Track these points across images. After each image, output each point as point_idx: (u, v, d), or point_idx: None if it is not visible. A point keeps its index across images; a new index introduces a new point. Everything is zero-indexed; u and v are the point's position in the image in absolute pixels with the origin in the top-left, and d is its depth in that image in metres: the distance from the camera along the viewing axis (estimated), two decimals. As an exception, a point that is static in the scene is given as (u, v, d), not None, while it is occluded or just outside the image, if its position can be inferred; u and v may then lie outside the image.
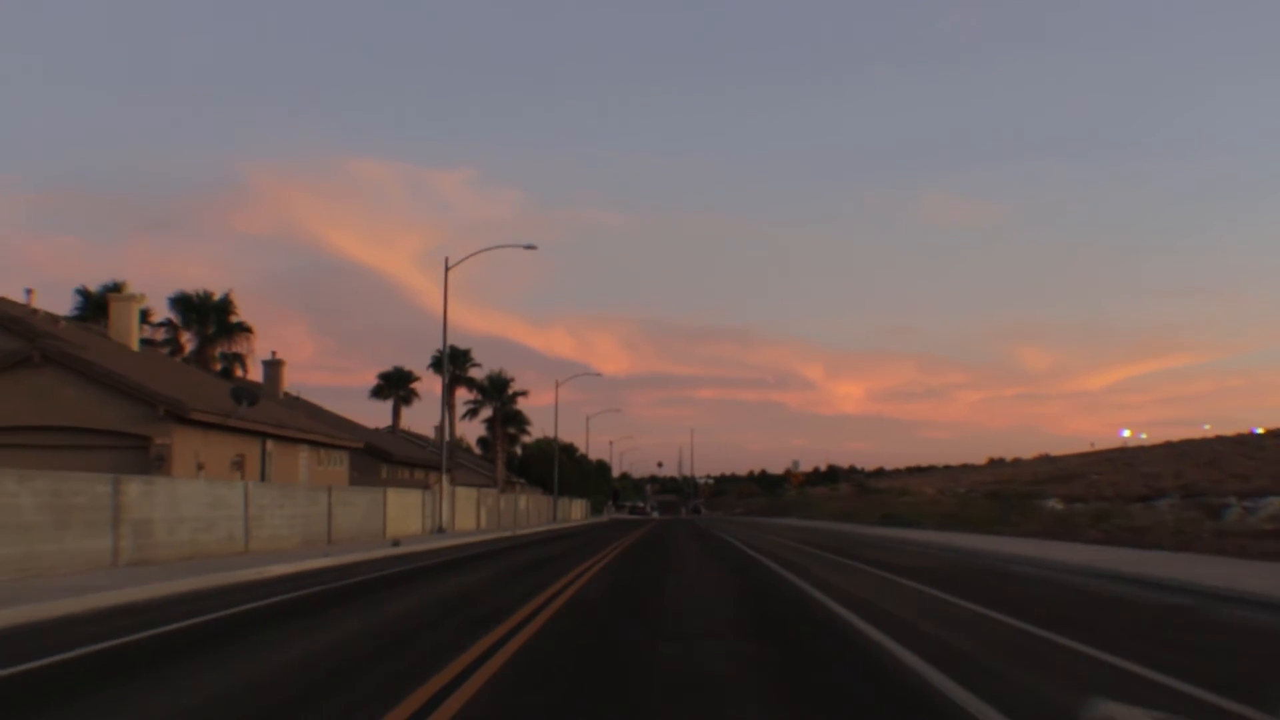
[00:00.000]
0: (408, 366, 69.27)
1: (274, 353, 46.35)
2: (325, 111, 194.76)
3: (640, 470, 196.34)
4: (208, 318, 42.85)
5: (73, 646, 9.10)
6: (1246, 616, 11.60)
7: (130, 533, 18.03)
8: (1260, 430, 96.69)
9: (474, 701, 6.51)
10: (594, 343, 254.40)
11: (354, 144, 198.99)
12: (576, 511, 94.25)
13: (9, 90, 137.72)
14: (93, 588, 13.61)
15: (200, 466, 26.00)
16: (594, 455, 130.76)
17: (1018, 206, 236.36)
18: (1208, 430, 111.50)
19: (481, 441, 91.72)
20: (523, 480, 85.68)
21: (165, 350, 42.83)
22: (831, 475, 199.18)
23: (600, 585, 15.99)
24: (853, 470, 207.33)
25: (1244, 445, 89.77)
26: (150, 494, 18.89)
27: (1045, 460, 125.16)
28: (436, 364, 60.83)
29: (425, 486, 41.26)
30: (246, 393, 26.91)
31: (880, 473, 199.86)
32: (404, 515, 35.73)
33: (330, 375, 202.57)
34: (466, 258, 40.97)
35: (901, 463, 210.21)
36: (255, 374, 46.51)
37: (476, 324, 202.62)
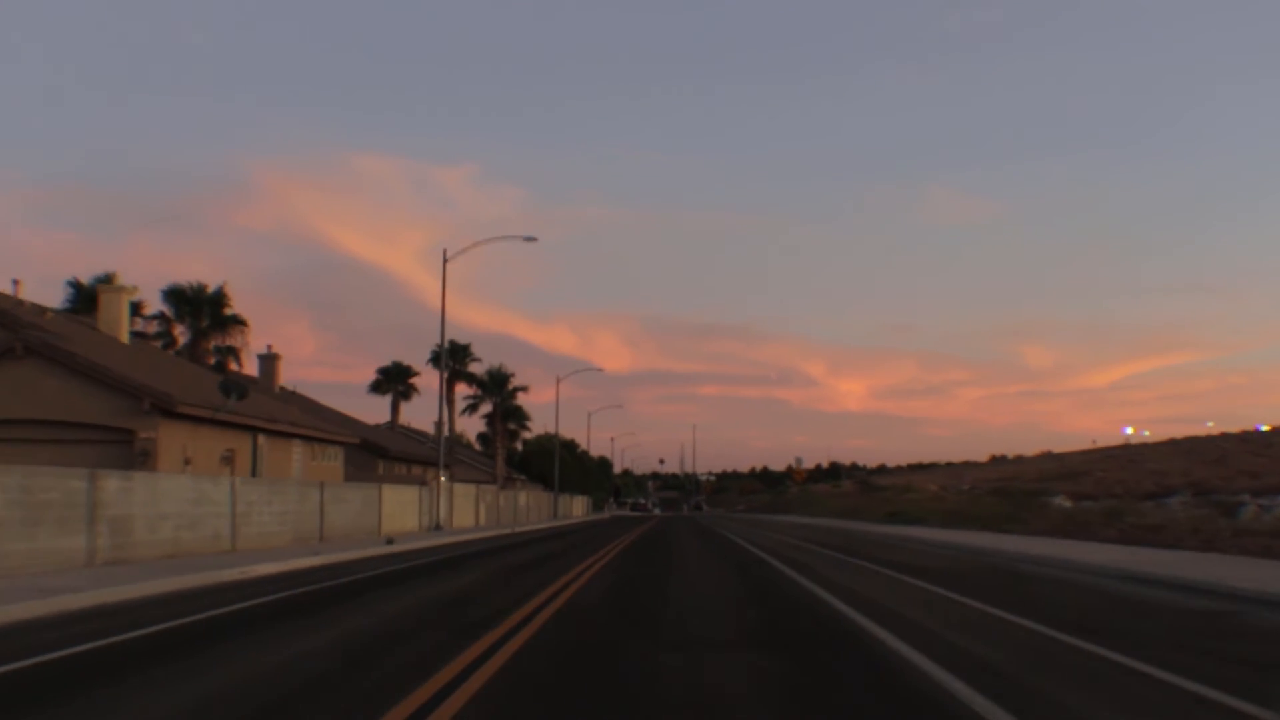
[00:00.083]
0: (407, 361, 68.49)
1: (270, 347, 45.57)
2: (328, 107, 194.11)
3: (642, 467, 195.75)
4: (201, 310, 42.02)
5: (21, 656, 8.32)
6: (1292, 623, 10.80)
7: (107, 530, 17.24)
8: (1266, 427, 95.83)
9: (450, 727, 5.73)
10: (596, 339, 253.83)
11: (356, 140, 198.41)
12: (578, 508, 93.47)
13: (10, 85, 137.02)
14: (62, 589, 12.84)
15: (188, 461, 25.22)
16: (595, 452, 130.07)
17: (1019, 204, 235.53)
18: (1212, 427, 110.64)
19: (482, 437, 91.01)
20: (523, 476, 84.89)
21: (158, 344, 42.05)
22: (834, 472, 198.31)
23: (599, 587, 15.20)
24: (855, 467, 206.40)
25: (1250, 442, 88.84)
26: (129, 490, 18.10)
27: (1049, 457, 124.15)
28: (436, 359, 59.91)
29: (423, 483, 40.47)
30: (236, 386, 26.11)
31: (882, 469, 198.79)
32: (400, 512, 34.94)
33: (332, 372, 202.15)
34: (465, 250, 40.21)
35: (903, 459, 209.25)
36: (251, 368, 45.78)
37: (479, 321, 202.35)
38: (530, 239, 40.87)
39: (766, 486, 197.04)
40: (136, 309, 42.04)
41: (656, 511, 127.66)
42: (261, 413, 30.18)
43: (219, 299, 42.51)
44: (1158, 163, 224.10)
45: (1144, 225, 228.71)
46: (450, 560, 22.46)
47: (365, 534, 30.43)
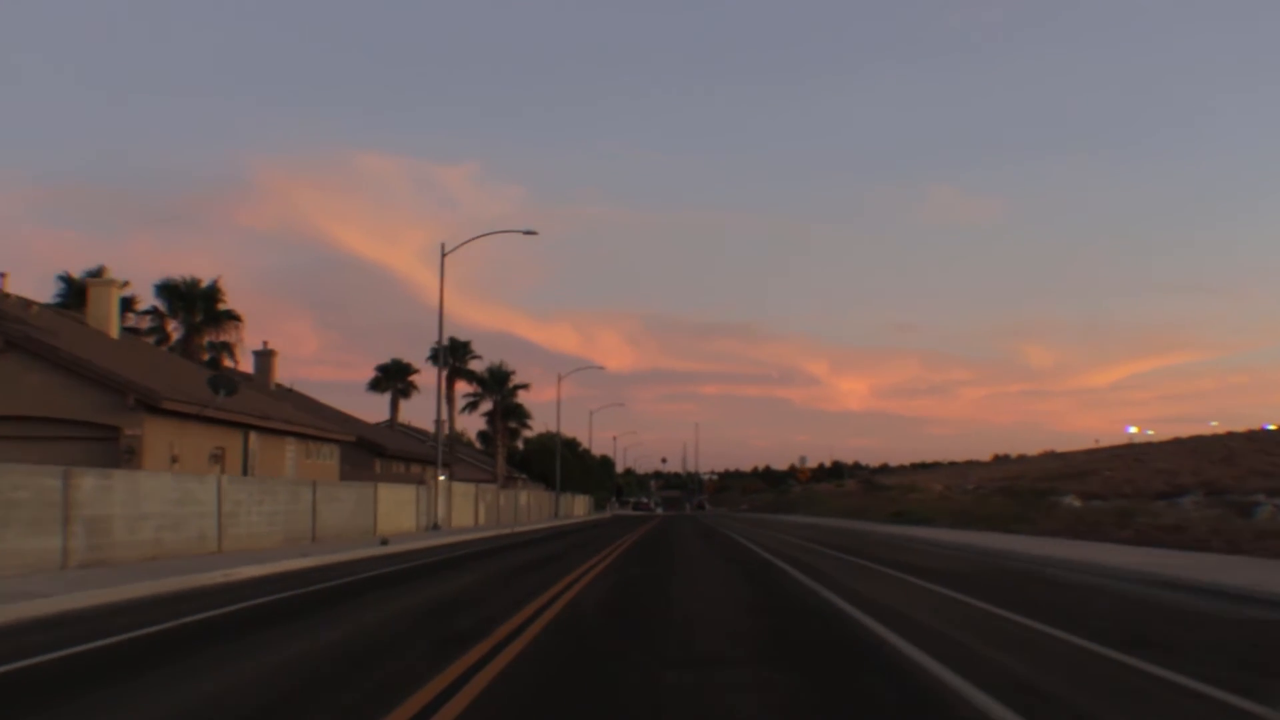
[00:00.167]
0: (407, 359, 67.62)
1: (265, 343, 44.85)
2: (329, 106, 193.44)
3: (644, 466, 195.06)
4: (195, 305, 41.16)
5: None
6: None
7: (83, 531, 16.40)
8: (1272, 426, 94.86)
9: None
10: (598, 338, 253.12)
11: (358, 139, 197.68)
12: (579, 507, 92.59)
13: (11, 85, 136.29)
14: (28, 594, 12.03)
15: (174, 459, 24.38)
16: (597, 451, 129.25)
17: (1021, 203, 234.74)
18: (1216, 426, 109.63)
19: (482, 436, 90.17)
20: (524, 475, 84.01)
21: (151, 339, 41.22)
22: (836, 471, 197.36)
23: (598, 592, 14.34)
24: (857, 466, 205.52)
25: (1257, 441, 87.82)
26: (107, 488, 17.26)
27: (1052, 456, 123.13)
28: (436, 356, 59.16)
29: (421, 482, 39.60)
30: (224, 382, 25.27)
31: (885, 469, 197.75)
32: (396, 512, 34.09)
33: (334, 370, 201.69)
34: (464, 243, 39.44)
35: (906, 459, 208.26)
36: (246, 365, 44.95)
37: (481, 319, 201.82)
38: (530, 232, 40.12)
39: (769, 486, 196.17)
40: (129, 304, 41.27)
41: (659, 511, 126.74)
42: (253, 409, 29.36)
43: (213, 294, 41.68)
44: (1158, 162, 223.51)
45: (1145, 224, 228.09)
46: (445, 562, 21.61)
47: (360, 534, 29.59)
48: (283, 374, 48.15)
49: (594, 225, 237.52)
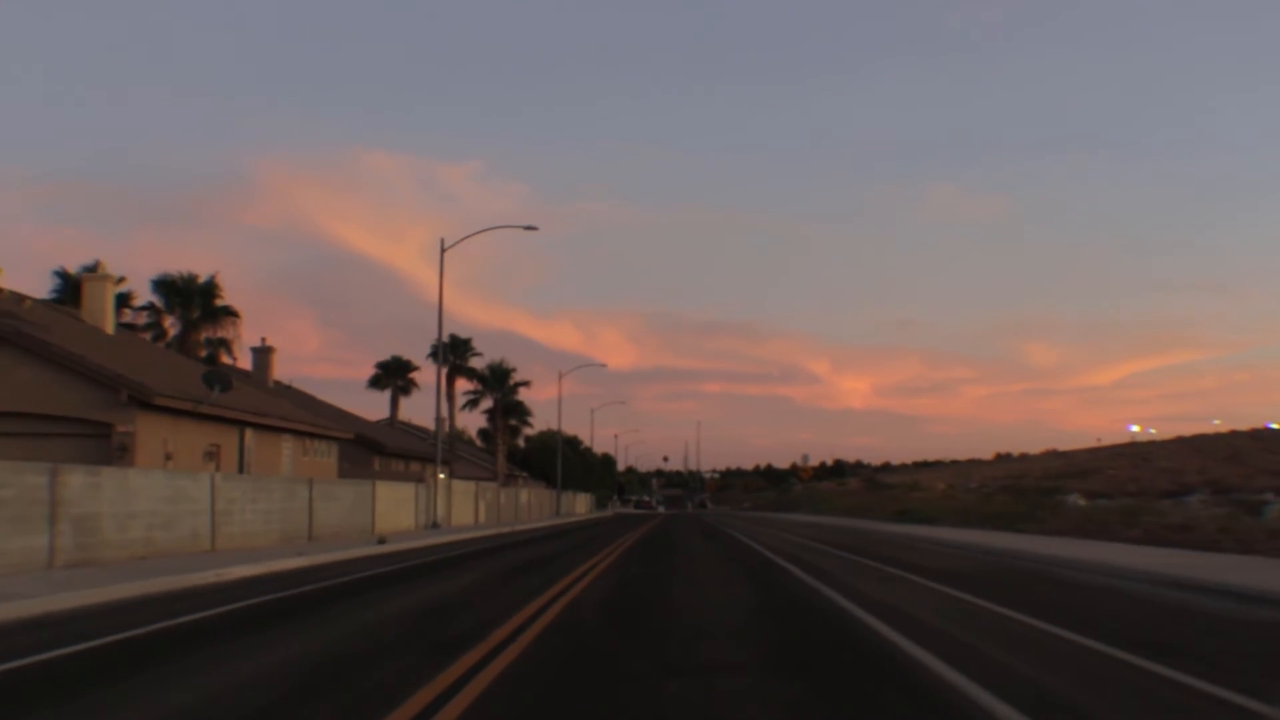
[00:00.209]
0: (408, 356, 67.22)
1: (264, 339, 44.49)
2: (332, 105, 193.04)
3: (646, 464, 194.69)
4: (192, 301, 40.76)
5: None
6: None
7: (70, 530, 16.00)
8: (1276, 425, 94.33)
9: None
10: (599, 336, 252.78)
11: (361, 137, 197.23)
12: (580, 506, 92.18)
13: (12, 84, 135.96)
14: (10, 595, 11.65)
15: (168, 456, 23.99)
16: (599, 449, 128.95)
17: (1022, 202, 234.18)
18: (1219, 425, 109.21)
19: (483, 434, 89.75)
20: (525, 474, 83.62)
21: (148, 335, 40.83)
22: (838, 470, 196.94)
23: (598, 594, 13.93)
24: (859, 465, 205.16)
25: (1261, 440, 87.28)
26: (96, 486, 16.85)
27: (1054, 455, 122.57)
28: (436, 353, 58.81)
29: (421, 480, 39.19)
30: (219, 378, 24.86)
31: (887, 467, 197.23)
32: (395, 510, 33.69)
33: (337, 368, 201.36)
34: (464, 238, 39.06)
35: (908, 457, 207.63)
36: (245, 361, 44.56)
37: (482, 318, 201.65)
38: (530, 228, 39.70)
39: (770, 484, 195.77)
40: (126, 300, 40.88)
41: (660, 509, 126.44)
42: (249, 406, 28.97)
43: (210, 289, 41.28)
44: (1159, 160, 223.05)
45: (1146, 223, 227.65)
46: (443, 561, 21.21)
47: (357, 533, 29.19)
48: (285, 372, 47.84)
49: (596, 223, 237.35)
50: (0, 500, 14.44)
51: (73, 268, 39.70)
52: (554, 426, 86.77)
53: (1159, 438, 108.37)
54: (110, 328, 30.89)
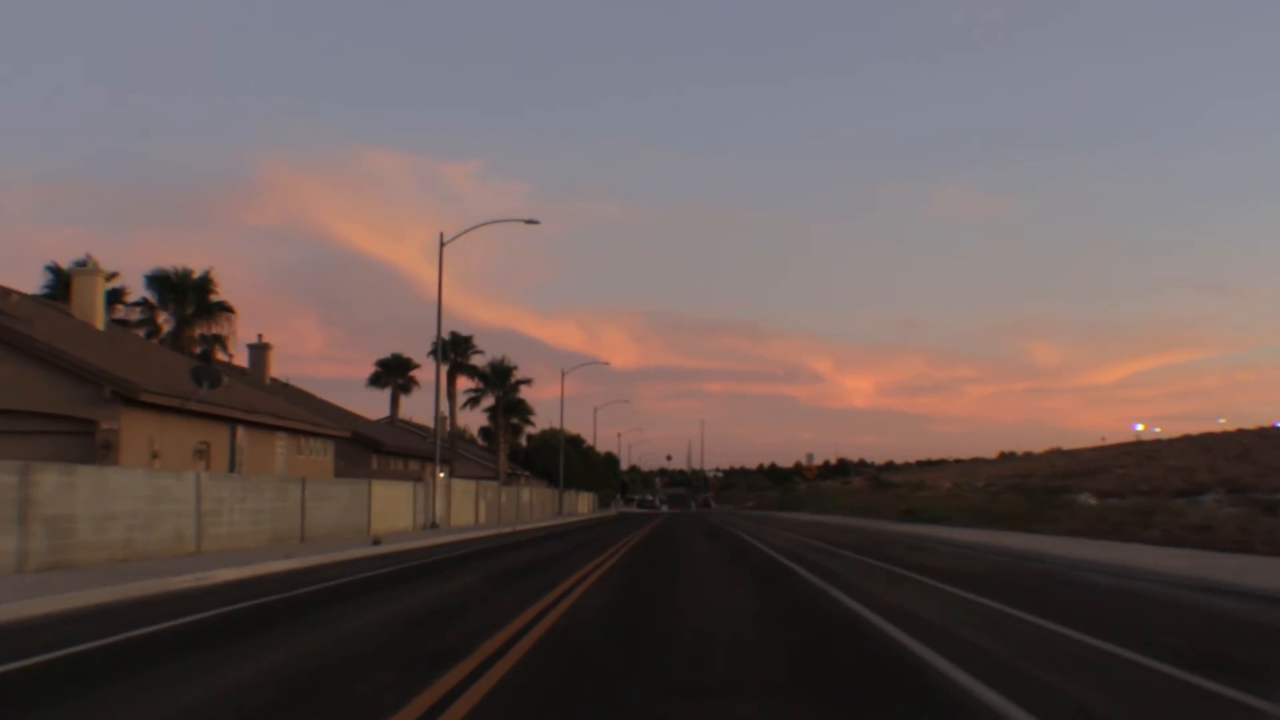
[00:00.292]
0: (408, 355, 66.49)
1: (260, 336, 43.68)
2: (333, 104, 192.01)
3: (649, 463, 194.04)
4: (186, 297, 39.98)
5: None
6: None
7: (43, 532, 15.22)
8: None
9: None
10: (603, 335, 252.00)
11: (363, 136, 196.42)
12: (583, 505, 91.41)
13: (14, 83, 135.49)
14: (-31, 601, 10.85)
15: (155, 454, 23.20)
16: (602, 448, 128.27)
17: (1026, 201, 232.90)
18: (1224, 424, 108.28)
19: (485, 432, 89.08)
20: (527, 473, 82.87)
21: (141, 331, 40.07)
22: (842, 469, 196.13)
23: (598, 600, 13.13)
24: (863, 464, 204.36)
25: (1269, 439, 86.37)
26: (71, 485, 16.06)
27: (1059, 454, 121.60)
28: (435, 350, 58.04)
29: (420, 479, 38.41)
30: (207, 373, 24.07)
31: (891, 466, 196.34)
32: (392, 510, 32.89)
33: (339, 367, 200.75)
34: (463, 232, 38.29)
35: (911, 456, 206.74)
36: (241, 358, 43.82)
37: (485, 316, 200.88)
38: (532, 221, 39.13)
39: (774, 483, 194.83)
40: (118, 296, 40.08)
41: (664, 508, 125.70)
42: (241, 403, 28.19)
43: (205, 285, 40.50)
44: (1163, 159, 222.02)
45: (1150, 222, 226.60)
46: (438, 564, 20.41)
47: (352, 534, 28.40)
48: (287, 370, 47.08)
49: (598, 222, 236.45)
50: (-34, 500, 13.65)
51: (70, 265, 38.94)
52: (556, 425, 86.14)
53: (1165, 436, 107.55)
54: (100, 323, 30.12)
